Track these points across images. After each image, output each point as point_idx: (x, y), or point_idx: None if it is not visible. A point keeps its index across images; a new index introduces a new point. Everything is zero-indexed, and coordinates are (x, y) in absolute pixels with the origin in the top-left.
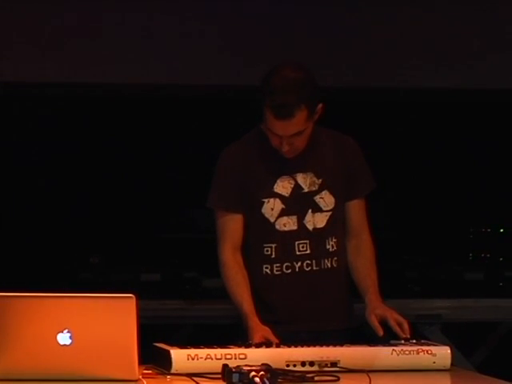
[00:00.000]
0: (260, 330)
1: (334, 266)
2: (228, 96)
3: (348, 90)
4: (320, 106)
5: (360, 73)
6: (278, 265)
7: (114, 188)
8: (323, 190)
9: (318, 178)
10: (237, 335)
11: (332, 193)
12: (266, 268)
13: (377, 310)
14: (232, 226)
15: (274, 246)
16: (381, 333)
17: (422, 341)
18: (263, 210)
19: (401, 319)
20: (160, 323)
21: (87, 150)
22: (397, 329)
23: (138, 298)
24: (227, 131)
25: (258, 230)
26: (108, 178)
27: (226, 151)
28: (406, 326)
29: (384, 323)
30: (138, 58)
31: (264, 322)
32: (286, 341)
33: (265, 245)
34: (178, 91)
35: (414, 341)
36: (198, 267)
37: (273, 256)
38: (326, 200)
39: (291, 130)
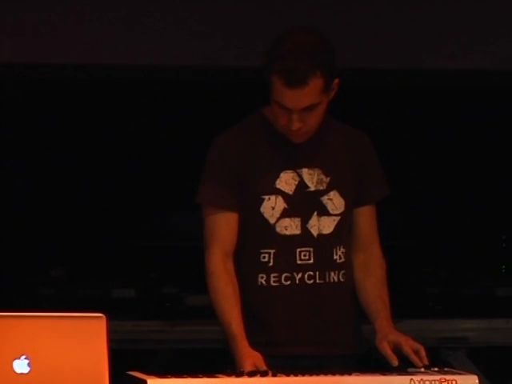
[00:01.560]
0: (250, 356)
1: (341, 280)
2: (212, 79)
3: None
4: (337, 81)
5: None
6: (275, 274)
7: (78, 189)
8: (332, 190)
9: (327, 176)
10: (226, 362)
11: (342, 194)
12: (262, 278)
13: (389, 336)
14: (224, 227)
15: (272, 251)
16: (395, 362)
17: (446, 368)
18: (262, 209)
19: (417, 345)
20: (135, 347)
21: (44, 142)
22: (413, 357)
23: (109, 317)
24: (217, 120)
25: (254, 232)
26: (72, 176)
27: (219, 138)
28: (423, 352)
29: (397, 352)
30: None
31: (256, 344)
32: (284, 367)
33: (262, 250)
34: (149, 76)
35: (436, 368)
36: (179, 282)
37: (270, 264)
38: (334, 202)
39: (304, 102)
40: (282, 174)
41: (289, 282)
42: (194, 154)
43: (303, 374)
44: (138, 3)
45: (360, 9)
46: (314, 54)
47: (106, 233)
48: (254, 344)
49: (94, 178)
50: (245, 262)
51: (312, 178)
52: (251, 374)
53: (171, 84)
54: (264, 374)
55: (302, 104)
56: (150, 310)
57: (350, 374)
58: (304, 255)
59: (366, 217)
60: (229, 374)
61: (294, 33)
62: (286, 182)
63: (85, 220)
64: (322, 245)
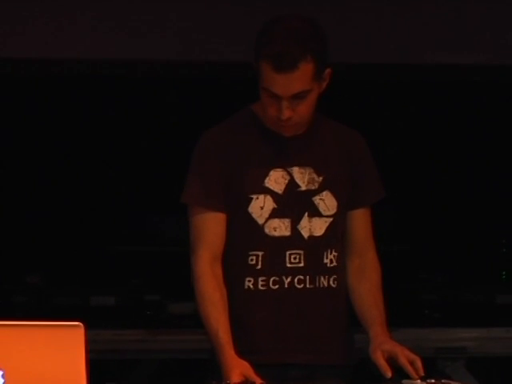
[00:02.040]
0: (237, 366)
1: (332, 285)
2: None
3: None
4: (328, 70)
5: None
6: (263, 278)
7: (54, 191)
8: (324, 189)
9: (319, 175)
10: (211, 372)
11: (334, 194)
12: (249, 281)
13: (383, 345)
14: (213, 229)
15: (260, 254)
16: (389, 374)
17: (443, 380)
18: (250, 209)
19: (413, 356)
20: (115, 358)
21: (16, 143)
22: (408, 368)
23: (88, 326)
24: (204, 117)
25: (242, 233)
26: (47, 179)
27: (206, 134)
28: (419, 363)
29: (392, 362)
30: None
31: (242, 352)
32: (272, 378)
33: (250, 252)
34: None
35: (433, 380)
36: (161, 289)
37: (258, 267)
38: (326, 202)
39: (294, 87)
40: (271, 173)
41: (277, 287)
42: (178, 152)
43: None
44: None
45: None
46: (305, 39)
47: (84, 237)
48: (241, 352)
49: (71, 179)
50: (232, 264)
51: (303, 177)
52: None
53: (154, 81)
54: None
55: (292, 90)
56: (131, 319)
57: None
58: (294, 258)
59: (360, 220)
60: None
61: (285, 18)
62: (276, 180)
63: (62, 223)
64: (313, 247)
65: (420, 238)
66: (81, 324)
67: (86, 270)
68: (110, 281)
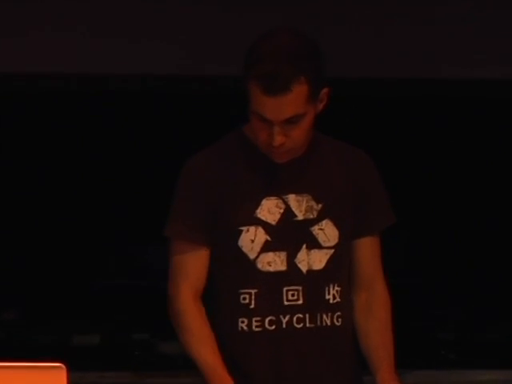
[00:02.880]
0: None
1: (336, 323)
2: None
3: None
4: (325, 90)
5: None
6: (258, 318)
7: (33, 219)
8: (324, 218)
9: (318, 203)
10: None
11: (335, 223)
12: (243, 322)
13: None
14: (194, 264)
15: (253, 291)
16: None
17: None
18: (240, 243)
19: None
20: None
21: None
22: None
23: (70, 367)
24: (193, 138)
25: (232, 269)
26: (25, 205)
27: (191, 161)
28: None
29: None
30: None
31: None
32: None
33: (241, 290)
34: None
35: None
36: (151, 326)
37: (252, 306)
38: (326, 232)
39: (286, 112)
40: (263, 202)
41: (274, 327)
42: (165, 178)
43: None
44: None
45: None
46: (297, 57)
47: (66, 270)
48: None
49: (49, 207)
50: (223, 304)
51: (300, 205)
52: None
53: (135, 97)
54: None
55: (284, 114)
56: (118, 359)
57: None
58: (292, 295)
59: (367, 250)
60: None
61: (275, 34)
62: (269, 210)
63: (41, 255)
64: (313, 283)
65: (434, 270)
66: (62, 365)
67: (67, 305)
68: (94, 317)
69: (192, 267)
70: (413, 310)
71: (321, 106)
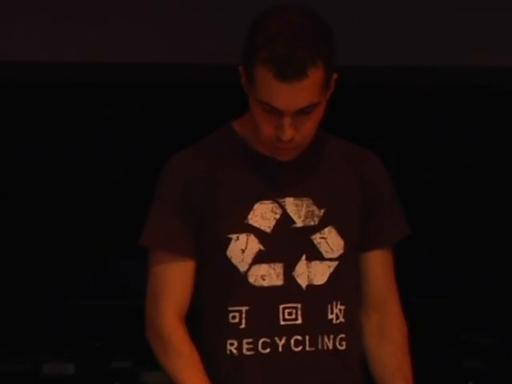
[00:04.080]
0: None
1: (339, 347)
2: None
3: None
4: (335, 76)
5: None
6: (249, 340)
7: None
8: (326, 226)
9: (320, 208)
10: None
11: (340, 232)
12: (232, 345)
13: None
14: (178, 278)
15: (244, 309)
16: None
17: None
18: (229, 253)
19: None
20: None
21: None
22: None
23: None
24: (177, 135)
25: (220, 284)
26: None
27: (173, 160)
28: None
29: None
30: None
31: None
32: None
33: (230, 308)
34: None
35: None
36: (132, 353)
37: (242, 326)
38: (329, 242)
39: (301, 101)
40: (256, 206)
41: (268, 350)
42: (146, 182)
43: None
44: None
45: None
46: (313, 38)
47: (33, 287)
48: None
49: (16, 219)
50: (209, 323)
51: (299, 211)
52: None
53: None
54: None
55: (298, 103)
56: None
57: None
58: (289, 313)
59: (378, 264)
60: None
61: (283, 11)
62: (263, 215)
63: (6, 272)
64: (313, 299)
65: (460, 289)
66: None
67: (36, 329)
68: (68, 343)
69: (175, 282)
70: (437, 334)
71: (329, 95)
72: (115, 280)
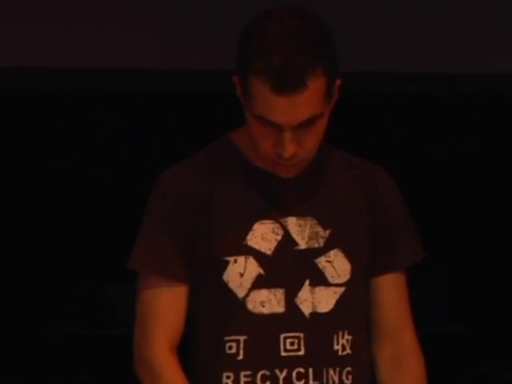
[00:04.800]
0: None
1: (346, 381)
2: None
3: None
4: (338, 82)
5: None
6: (248, 373)
7: None
8: (332, 248)
9: (325, 228)
10: None
11: (347, 254)
12: (228, 378)
13: None
14: (170, 305)
15: (242, 339)
16: None
17: None
18: (226, 277)
19: None
20: None
21: None
22: None
23: None
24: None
25: (215, 311)
26: None
27: (165, 175)
28: None
29: None
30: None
31: None
32: None
33: (227, 338)
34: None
35: None
36: None
37: (240, 357)
38: (336, 266)
39: (302, 114)
40: (256, 226)
41: None
42: (135, 200)
43: None
44: None
45: None
46: (311, 44)
47: (14, 316)
48: None
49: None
50: (203, 354)
51: (302, 231)
52: None
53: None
54: None
55: (298, 117)
56: None
57: None
58: (291, 344)
59: (391, 291)
60: None
61: (277, 15)
62: (263, 236)
63: None
64: (318, 329)
65: (479, 317)
66: None
67: (17, 360)
68: (51, 376)
69: (166, 309)
70: (454, 365)
71: (332, 104)
72: (101, 307)
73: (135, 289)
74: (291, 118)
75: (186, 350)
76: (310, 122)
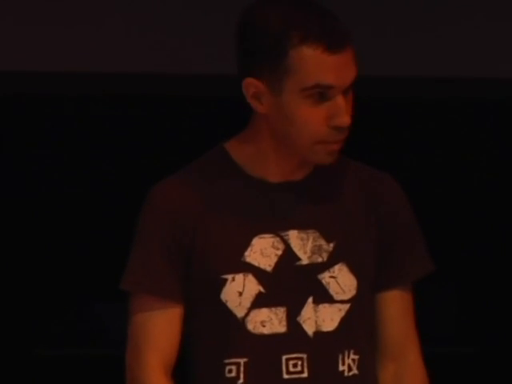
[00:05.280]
0: None
1: None
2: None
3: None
4: None
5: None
6: None
7: None
8: (337, 262)
9: (329, 241)
10: None
11: (352, 269)
12: None
13: None
14: (164, 327)
15: (242, 361)
16: None
17: None
18: (224, 296)
19: None
20: None
21: None
22: None
23: None
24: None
25: (213, 332)
26: None
27: (157, 189)
28: None
29: None
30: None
31: None
32: None
33: (226, 360)
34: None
35: None
36: None
37: (240, 381)
38: (340, 281)
39: (350, 74)
40: (254, 241)
41: None
42: (127, 213)
43: None
44: None
45: None
46: (333, 13)
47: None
48: None
49: None
50: (200, 378)
51: (305, 245)
52: None
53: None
54: None
55: (350, 76)
56: None
57: None
58: (294, 365)
59: (396, 307)
60: None
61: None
62: (262, 252)
63: None
64: (322, 349)
65: (490, 336)
66: None
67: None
68: None
69: (160, 331)
70: None
71: None
72: (91, 326)
73: (126, 306)
74: (345, 78)
75: (183, 373)
76: (350, 88)
